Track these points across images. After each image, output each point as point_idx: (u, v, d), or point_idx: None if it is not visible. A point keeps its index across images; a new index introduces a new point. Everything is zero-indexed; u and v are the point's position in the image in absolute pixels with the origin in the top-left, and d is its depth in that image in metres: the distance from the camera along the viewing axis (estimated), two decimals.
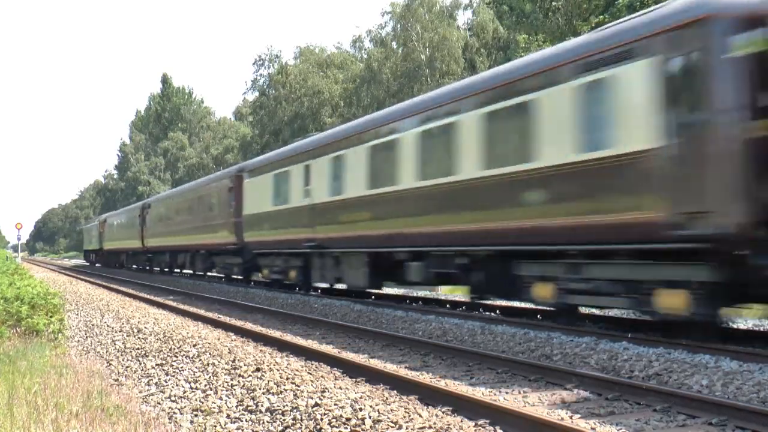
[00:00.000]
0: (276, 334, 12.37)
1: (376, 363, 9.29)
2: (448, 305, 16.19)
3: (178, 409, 7.18)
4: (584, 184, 10.31)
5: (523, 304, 14.84)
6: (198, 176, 69.86)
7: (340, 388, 7.49)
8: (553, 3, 33.55)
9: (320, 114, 54.05)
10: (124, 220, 47.72)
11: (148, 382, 8.63)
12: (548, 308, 12.30)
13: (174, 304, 19.01)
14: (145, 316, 15.49)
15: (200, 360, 9.51)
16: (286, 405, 6.81)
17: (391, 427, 5.96)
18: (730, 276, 8.71)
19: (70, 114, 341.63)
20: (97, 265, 62.65)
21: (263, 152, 42.60)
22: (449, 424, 5.98)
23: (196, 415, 6.91)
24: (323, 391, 7.24)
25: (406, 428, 5.91)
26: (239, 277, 27.78)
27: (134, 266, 47.84)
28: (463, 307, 15.52)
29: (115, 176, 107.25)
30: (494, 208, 12.15)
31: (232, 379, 8.18)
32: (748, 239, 8.31)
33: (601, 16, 26.92)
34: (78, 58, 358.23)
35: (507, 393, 7.60)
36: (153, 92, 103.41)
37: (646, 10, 10.17)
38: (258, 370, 8.54)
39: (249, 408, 6.97)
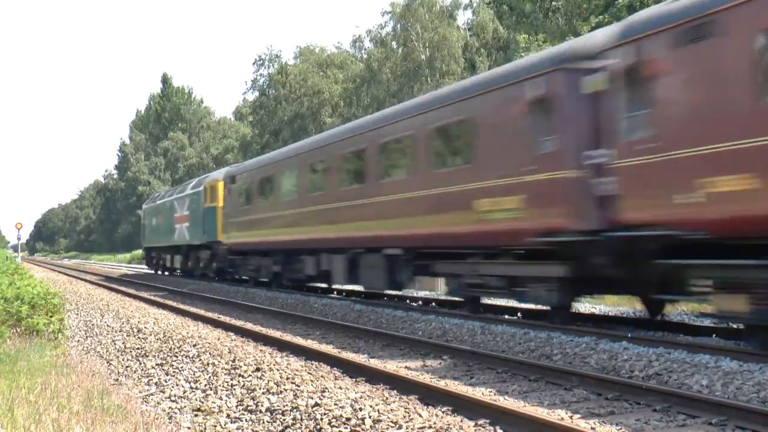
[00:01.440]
0: (276, 334, 12.37)
1: (376, 363, 9.29)
2: (448, 305, 16.19)
3: (178, 409, 7.19)
4: None
5: (522, 304, 14.86)
6: (198, 176, 69.09)
7: (340, 387, 7.49)
8: (553, 3, 33.58)
9: (320, 114, 54.07)
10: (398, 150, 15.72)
11: (148, 381, 8.64)
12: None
13: (174, 304, 19.01)
14: (145, 316, 15.49)
15: (200, 360, 9.51)
16: (286, 405, 6.81)
17: (391, 427, 5.96)
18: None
19: (70, 114, 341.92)
20: (167, 272, 36.60)
21: (263, 152, 42.28)
22: (449, 424, 5.98)
23: (196, 415, 6.91)
24: (323, 391, 7.24)
25: (406, 428, 5.92)
26: None
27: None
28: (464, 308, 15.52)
29: (115, 176, 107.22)
30: None
31: (232, 379, 8.18)
32: None
33: (601, 16, 26.92)
34: (78, 58, 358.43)
35: (507, 393, 7.61)
36: (153, 92, 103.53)
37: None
38: (258, 370, 8.54)
39: (249, 408, 6.97)
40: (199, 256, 29.74)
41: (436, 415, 6.37)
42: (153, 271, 39.98)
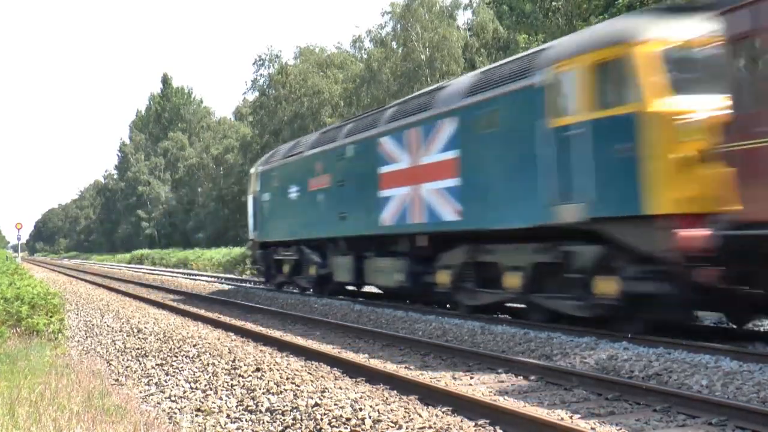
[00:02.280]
0: (276, 334, 12.37)
1: (376, 363, 9.30)
2: (448, 305, 16.17)
3: (178, 409, 7.19)
4: None
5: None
6: (198, 176, 69.09)
7: (340, 388, 7.49)
8: (553, 3, 33.56)
9: (320, 114, 54.04)
10: None
11: (148, 382, 8.64)
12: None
13: (174, 304, 19.01)
14: (145, 316, 15.49)
15: (200, 360, 9.51)
16: (286, 405, 6.81)
17: (391, 427, 5.96)
18: None
19: (70, 114, 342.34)
20: (309, 292, 19.70)
21: (263, 152, 42.18)
22: (449, 424, 5.98)
23: (196, 415, 6.91)
24: (323, 391, 7.24)
25: (406, 428, 5.92)
26: None
27: None
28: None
29: (115, 176, 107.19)
30: None
31: (232, 379, 8.18)
32: None
33: (601, 16, 26.92)
34: (78, 58, 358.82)
35: (507, 393, 7.61)
36: (153, 92, 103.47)
37: None
38: (258, 370, 8.54)
39: (249, 408, 6.97)
40: (576, 267, 10.59)
41: (436, 415, 6.37)
42: (273, 288, 22.43)
